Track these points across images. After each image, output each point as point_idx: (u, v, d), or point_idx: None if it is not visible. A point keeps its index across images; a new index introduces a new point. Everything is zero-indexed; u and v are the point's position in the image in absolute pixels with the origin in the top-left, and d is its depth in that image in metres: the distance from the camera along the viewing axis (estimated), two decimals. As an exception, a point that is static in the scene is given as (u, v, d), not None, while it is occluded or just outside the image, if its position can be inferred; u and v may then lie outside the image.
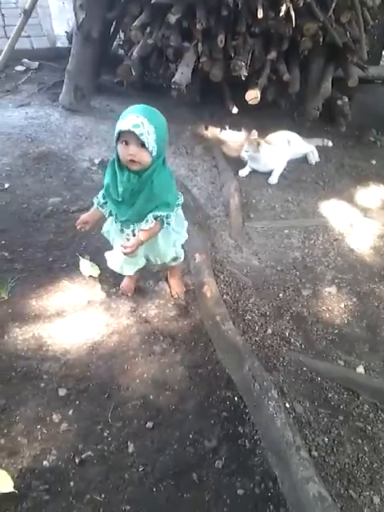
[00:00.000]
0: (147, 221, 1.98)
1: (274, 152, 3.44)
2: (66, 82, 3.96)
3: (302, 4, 3.27)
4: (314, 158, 3.72)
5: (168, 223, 2.05)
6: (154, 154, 1.81)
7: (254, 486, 1.86)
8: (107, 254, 2.37)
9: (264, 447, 1.94)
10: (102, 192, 2.08)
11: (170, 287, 2.59)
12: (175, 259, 2.38)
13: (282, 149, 3.49)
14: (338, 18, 3.45)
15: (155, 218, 1.98)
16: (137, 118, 1.72)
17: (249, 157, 3.44)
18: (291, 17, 3.28)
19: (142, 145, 1.76)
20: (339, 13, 3.43)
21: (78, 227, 2.14)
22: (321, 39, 3.48)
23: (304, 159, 3.75)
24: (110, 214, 2.11)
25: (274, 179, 3.44)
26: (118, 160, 1.88)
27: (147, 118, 1.74)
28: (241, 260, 2.83)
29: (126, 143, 1.78)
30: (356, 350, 2.39)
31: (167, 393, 2.14)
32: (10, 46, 4.36)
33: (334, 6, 3.36)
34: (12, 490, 1.75)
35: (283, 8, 3.20)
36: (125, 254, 1.99)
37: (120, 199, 1.96)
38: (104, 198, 2.07)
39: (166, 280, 2.62)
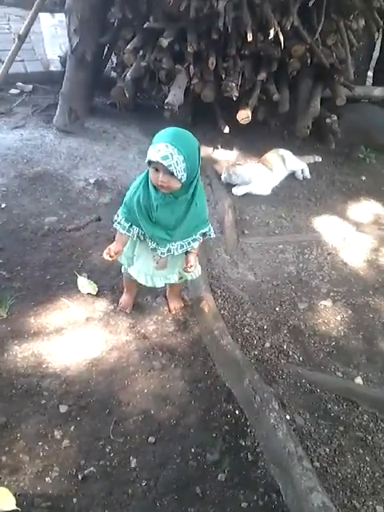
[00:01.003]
0: (195, 240, 2.11)
1: (256, 177, 3.55)
2: (60, 104, 4.02)
3: (289, 27, 3.38)
4: (306, 174, 3.80)
5: (209, 235, 2.19)
6: (184, 180, 1.83)
7: (257, 498, 1.87)
8: (132, 270, 2.30)
9: (266, 459, 1.95)
10: (121, 216, 2.08)
11: (168, 303, 2.61)
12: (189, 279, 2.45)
13: (264, 174, 3.59)
14: (324, 40, 3.56)
15: (202, 235, 2.15)
16: (166, 149, 1.73)
17: (225, 180, 3.56)
18: (279, 39, 3.38)
19: (172, 173, 1.79)
20: (325, 35, 3.54)
21: (111, 259, 2.13)
22: (308, 60, 3.59)
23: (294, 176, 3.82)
24: (139, 235, 2.10)
25: (238, 191, 3.54)
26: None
27: (177, 147, 1.73)
28: (237, 275, 2.87)
29: (157, 170, 1.81)
30: (353, 362, 2.42)
31: (168, 407, 2.15)
32: (4, 69, 4.41)
33: (320, 29, 3.48)
34: (14, 507, 1.74)
35: (272, 31, 3.29)
36: (187, 272, 2.21)
37: (155, 220, 1.98)
38: (127, 221, 2.07)
39: (165, 296, 2.64)
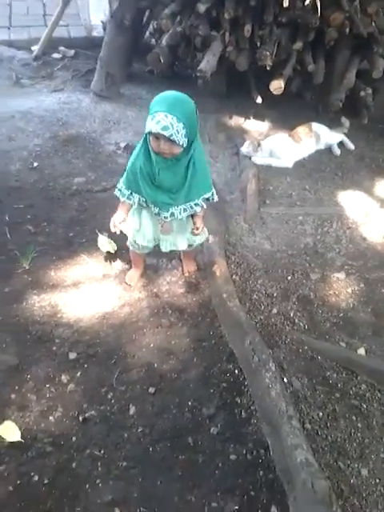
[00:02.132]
0: (197, 204, 2.12)
1: (280, 149, 3.54)
2: (97, 69, 4.10)
3: (328, -6, 3.30)
4: (349, 146, 3.79)
5: (212, 199, 2.19)
6: (185, 145, 1.86)
7: (246, 452, 1.95)
8: (139, 237, 2.33)
9: (258, 417, 2.03)
10: (122, 184, 2.13)
11: (182, 265, 2.68)
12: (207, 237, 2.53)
13: (290, 146, 3.57)
14: (364, 8, 3.44)
15: (206, 200, 2.15)
16: (165, 119, 1.74)
17: (247, 153, 3.53)
18: (317, 7, 3.31)
19: (173, 141, 1.82)
20: (366, 3, 3.43)
21: (116, 231, 2.21)
22: (347, 30, 3.50)
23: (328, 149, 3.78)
24: (140, 202, 2.13)
25: (258, 160, 3.54)
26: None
27: (176, 114, 1.75)
28: (253, 243, 2.90)
29: (157, 138, 1.84)
30: (359, 333, 2.44)
31: (171, 362, 2.25)
32: (47, 34, 4.53)
33: (360, -4, 3.38)
34: (19, 439, 1.90)
35: (309, -3, 3.23)
36: (196, 234, 2.24)
37: (157, 184, 2.02)
38: (128, 189, 2.11)
39: (180, 258, 2.71)
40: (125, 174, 2.11)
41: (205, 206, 2.18)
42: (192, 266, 2.69)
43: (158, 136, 1.82)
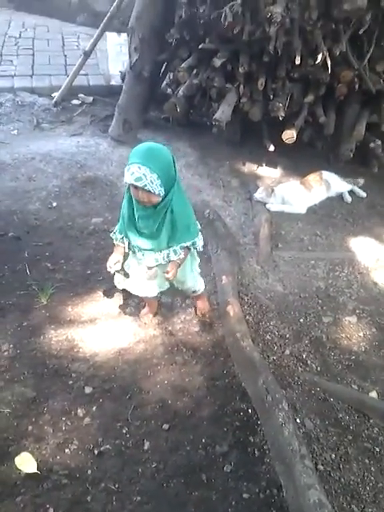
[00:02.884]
0: (176, 251, 2.15)
1: (292, 196, 3.66)
2: (116, 115, 4.29)
3: (338, 53, 3.49)
4: (360, 194, 3.91)
5: (194, 248, 2.22)
6: (162, 194, 1.93)
7: (259, 491, 1.96)
8: (127, 283, 2.44)
9: (271, 456, 2.04)
10: (118, 228, 2.22)
11: (196, 307, 2.74)
12: (194, 292, 2.54)
13: (301, 194, 3.69)
14: (373, 66, 3.64)
15: (182, 249, 2.16)
16: (138, 171, 1.83)
17: (261, 199, 3.64)
18: (328, 65, 3.50)
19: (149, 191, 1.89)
20: (375, 62, 3.63)
21: (112, 271, 2.25)
22: (356, 86, 3.68)
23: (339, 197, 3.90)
24: (129, 247, 2.22)
25: (272, 207, 3.64)
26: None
27: (149, 166, 1.83)
28: (266, 285, 2.97)
29: (135, 188, 1.91)
30: (371, 377, 2.47)
31: (185, 399, 2.28)
32: (69, 81, 4.76)
33: (369, 55, 3.58)
34: (35, 470, 1.92)
35: (320, 56, 3.42)
36: (168, 279, 2.17)
37: (139, 230, 2.10)
38: (121, 233, 2.20)
39: (193, 299, 2.77)
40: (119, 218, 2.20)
41: (182, 255, 2.16)
42: (205, 306, 2.72)
43: (134, 187, 1.90)
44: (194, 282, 2.49)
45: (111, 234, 2.27)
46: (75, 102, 4.97)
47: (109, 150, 4.19)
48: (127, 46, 4.33)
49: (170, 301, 2.77)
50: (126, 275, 2.41)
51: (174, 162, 1.96)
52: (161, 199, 1.96)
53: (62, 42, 6.16)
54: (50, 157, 3.98)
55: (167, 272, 2.14)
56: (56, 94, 4.83)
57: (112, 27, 5.32)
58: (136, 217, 2.07)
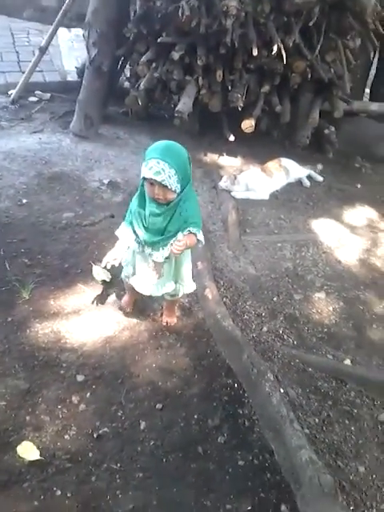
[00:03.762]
0: (182, 234, 2.11)
1: (255, 183, 3.82)
2: (76, 110, 4.30)
3: (291, 44, 3.67)
4: (317, 178, 4.10)
5: (198, 240, 2.18)
6: (178, 190, 1.97)
7: (253, 458, 2.10)
8: (133, 281, 2.43)
9: (261, 425, 2.19)
10: (124, 221, 2.25)
11: (162, 316, 2.70)
12: (173, 295, 2.51)
13: (264, 180, 3.86)
14: (323, 57, 3.85)
15: (188, 232, 2.12)
16: (157, 165, 1.86)
17: (226, 187, 3.79)
18: (282, 55, 3.67)
19: (166, 186, 1.93)
20: (325, 53, 3.83)
21: (108, 266, 2.28)
22: (309, 75, 3.88)
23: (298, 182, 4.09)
24: (136, 241, 2.24)
25: (237, 194, 3.79)
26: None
27: (168, 161, 1.87)
28: (238, 268, 3.11)
29: (152, 184, 1.95)
30: (343, 346, 2.66)
31: (174, 380, 2.39)
32: (25, 78, 4.72)
33: (319, 47, 3.78)
34: (38, 457, 1.98)
35: (275, 48, 3.58)
36: (175, 253, 2.09)
37: (147, 226, 2.13)
38: (129, 225, 2.22)
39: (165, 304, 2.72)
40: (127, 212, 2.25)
41: (186, 237, 2.11)
42: (172, 317, 2.69)
43: (152, 182, 1.94)
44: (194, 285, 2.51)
45: (116, 232, 2.30)
46: (32, 98, 4.93)
47: (72, 146, 4.21)
48: (80, 42, 4.37)
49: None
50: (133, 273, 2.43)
51: (189, 161, 2.01)
52: (175, 196, 2.00)
53: (12, 38, 6.07)
54: (13, 154, 3.96)
55: (178, 240, 2.07)
56: (13, 92, 4.79)
57: (62, 23, 5.29)
58: (146, 213, 2.10)
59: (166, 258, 2.23)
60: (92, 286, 2.84)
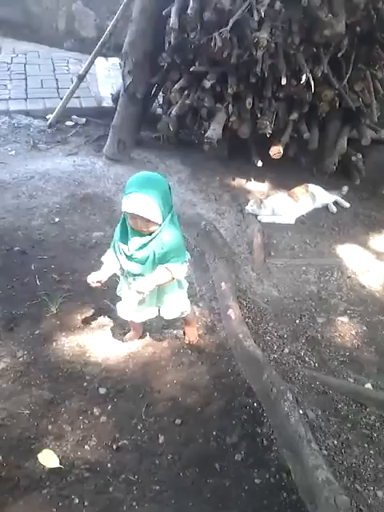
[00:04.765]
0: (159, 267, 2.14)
1: (281, 207, 3.87)
2: (110, 135, 4.47)
3: (319, 74, 3.76)
4: (343, 205, 4.12)
5: (174, 277, 2.18)
6: (160, 221, 1.99)
7: (269, 476, 2.11)
8: (118, 306, 2.51)
9: (279, 444, 2.20)
10: (110, 249, 2.29)
11: (184, 333, 2.75)
12: (182, 313, 2.52)
13: (290, 205, 3.90)
14: (352, 86, 3.92)
15: (166, 268, 2.14)
16: (138, 199, 1.89)
17: (252, 211, 3.84)
18: (311, 85, 3.76)
19: (148, 219, 1.96)
20: (353, 82, 3.90)
21: (92, 285, 2.27)
22: (337, 104, 3.95)
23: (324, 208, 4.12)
24: (121, 269, 2.28)
25: (263, 218, 3.82)
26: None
27: (148, 194, 1.90)
28: (262, 290, 3.15)
29: (134, 217, 1.97)
30: (365, 370, 2.65)
31: (194, 396, 2.43)
32: (62, 104, 4.95)
33: (348, 76, 3.85)
34: (58, 465, 2.04)
35: (303, 77, 3.68)
36: (139, 292, 2.15)
37: (130, 255, 2.13)
38: (114, 253, 2.25)
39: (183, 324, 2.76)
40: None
41: (163, 274, 2.15)
42: (193, 335, 2.73)
43: (133, 216, 1.96)
44: (178, 304, 2.45)
45: (102, 258, 2.33)
46: (69, 123, 5.15)
47: (104, 169, 4.36)
48: (116, 70, 4.55)
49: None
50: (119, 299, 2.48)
51: (170, 190, 2.04)
52: (158, 228, 2.03)
53: (53, 66, 6.35)
54: (48, 175, 4.13)
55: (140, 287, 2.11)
56: (50, 116, 5.01)
57: (100, 52, 5.54)
58: (129, 246, 2.12)
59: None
60: (118, 302, 2.91)
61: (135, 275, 2.21)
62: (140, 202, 1.91)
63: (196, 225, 3.56)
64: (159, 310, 2.45)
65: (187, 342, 2.71)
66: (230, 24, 3.55)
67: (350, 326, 2.92)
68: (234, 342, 2.68)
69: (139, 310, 2.40)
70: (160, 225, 2.02)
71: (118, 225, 2.18)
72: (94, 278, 2.26)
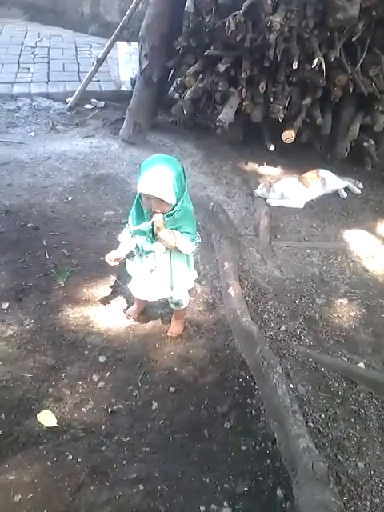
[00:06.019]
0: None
1: (291, 191, 3.92)
2: (126, 118, 4.57)
3: (333, 59, 3.76)
4: (355, 190, 4.14)
5: (178, 245, 2.22)
6: (174, 203, 2.06)
7: (255, 444, 2.20)
8: (130, 286, 2.57)
9: (267, 415, 2.28)
10: (126, 228, 2.37)
11: (170, 326, 2.77)
12: (177, 304, 2.61)
13: (299, 189, 3.94)
14: (366, 71, 3.91)
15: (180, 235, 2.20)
16: (154, 180, 1.96)
17: (261, 194, 3.90)
18: (323, 69, 3.77)
19: (162, 200, 2.02)
20: (367, 67, 3.89)
21: (110, 263, 2.40)
22: (350, 89, 3.95)
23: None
24: (136, 247, 2.35)
25: (272, 202, 3.89)
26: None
27: (163, 175, 1.97)
28: (264, 271, 3.22)
29: (148, 198, 2.04)
30: (359, 350, 2.70)
31: (190, 367, 2.53)
32: (82, 87, 5.07)
33: (362, 61, 3.84)
34: (56, 424, 2.17)
35: (315, 61, 3.69)
36: (155, 228, 2.15)
37: (146, 231, 2.20)
38: (130, 232, 2.33)
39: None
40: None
41: (178, 237, 2.21)
42: (178, 328, 2.73)
43: (148, 196, 2.04)
44: (185, 292, 2.55)
45: (120, 236, 2.44)
46: (88, 106, 5.27)
47: (119, 151, 4.47)
48: (137, 54, 4.63)
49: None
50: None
51: (183, 172, 2.10)
52: (171, 208, 2.10)
53: (76, 50, 6.48)
54: (65, 156, 4.27)
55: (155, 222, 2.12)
56: (70, 99, 5.14)
57: (122, 37, 5.63)
58: (144, 218, 2.20)
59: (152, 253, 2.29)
60: (124, 278, 3.02)
61: (148, 253, 2.30)
62: (154, 183, 1.98)
63: (204, 206, 3.64)
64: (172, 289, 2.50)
65: (169, 333, 2.70)
66: (244, 7, 3.59)
67: (348, 308, 2.97)
68: (232, 317, 2.76)
69: (153, 288, 2.45)
70: (174, 206, 2.10)
71: (133, 206, 2.26)
72: (113, 256, 2.39)
